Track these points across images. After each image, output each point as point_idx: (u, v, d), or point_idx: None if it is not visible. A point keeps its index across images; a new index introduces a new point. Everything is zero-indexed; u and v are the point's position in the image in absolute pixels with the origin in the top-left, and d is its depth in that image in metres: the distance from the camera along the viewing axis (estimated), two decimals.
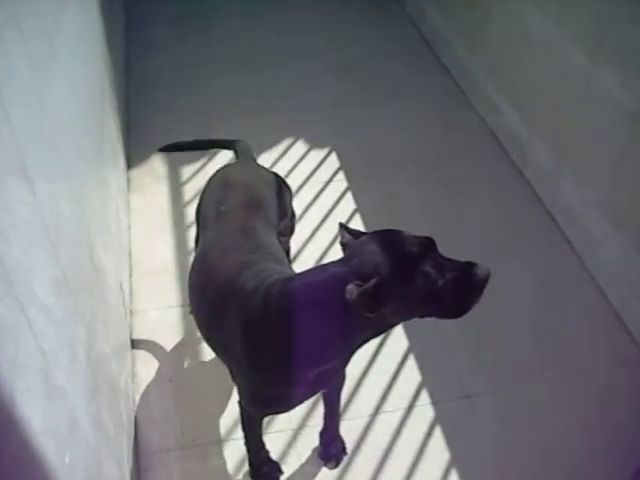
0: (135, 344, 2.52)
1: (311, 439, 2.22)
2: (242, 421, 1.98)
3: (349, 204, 3.13)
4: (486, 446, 2.22)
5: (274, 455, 2.16)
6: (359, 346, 1.54)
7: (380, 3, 4.79)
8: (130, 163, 3.36)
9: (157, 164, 3.37)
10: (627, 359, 2.47)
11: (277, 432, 2.25)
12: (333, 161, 3.40)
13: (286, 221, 2.16)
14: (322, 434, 2.19)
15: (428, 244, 1.46)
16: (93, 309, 1.84)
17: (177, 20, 4.64)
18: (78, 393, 1.50)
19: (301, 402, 1.80)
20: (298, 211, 2.79)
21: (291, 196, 2.23)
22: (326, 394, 2.06)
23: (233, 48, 4.32)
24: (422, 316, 1.51)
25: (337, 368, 1.71)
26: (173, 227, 3.02)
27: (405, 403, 2.34)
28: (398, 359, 2.47)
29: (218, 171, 2.19)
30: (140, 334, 2.56)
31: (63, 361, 1.40)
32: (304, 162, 3.38)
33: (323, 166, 3.36)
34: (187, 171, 3.30)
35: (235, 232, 1.86)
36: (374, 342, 2.47)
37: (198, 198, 2.18)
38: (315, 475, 2.15)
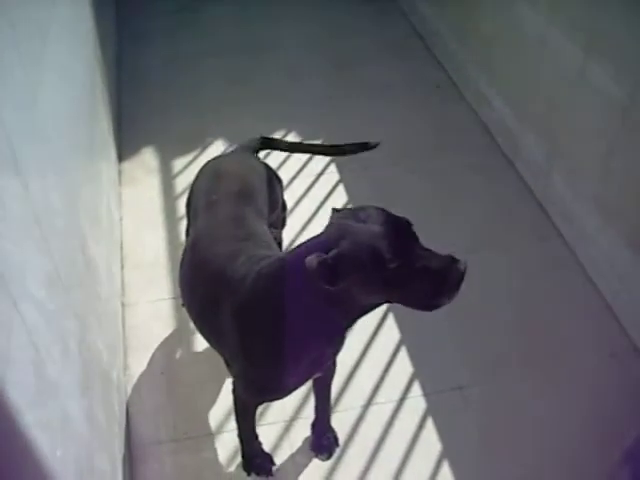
0: (127, 337, 2.52)
1: (303, 431, 2.23)
2: (236, 410, 1.98)
3: (341, 196, 3.13)
4: (477, 437, 2.23)
5: (266, 447, 2.17)
6: (344, 328, 1.53)
7: None
8: (122, 156, 3.35)
9: (149, 157, 3.36)
10: (618, 351, 2.48)
11: (269, 424, 2.25)
12: None
13: (277, 213, 2.16)
14: (314, 426, 2.19)
15: (401, 226, 1.42)
16: (85, 302, 1.84)
17: (169, 12, 4.62)
18: (70, 386, 1.50)
19: (295, 388, 1.79)
20: (290, 203, 2.79)
21: (282, 188, 2.23)
22: (316, 385, 2.07)
23: (225, 40, 4.31)
24: (391, 301, 1.46)
25: (327, 352, 1.70)
26: (165, 220, 3.01)
27: (397, 395, 2.35)
28: (390, 351, 2.48)
29: (209, 162, 2.19)
30: (132, 327, 2.56)
31: (55, 355, 1.40)
32: (296, 154, 3.37)
33: (315, 158, 3.36)
34: (179, 164, 3.30)
35: (226, 221, 1.87)
36: (366, 333, 2.50)
37: (189, 190, 2.19)
38: (307, 466, 2.16)
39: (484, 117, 3.56)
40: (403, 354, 2.47)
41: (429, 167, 3.31)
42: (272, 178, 2.13)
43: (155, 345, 2.50)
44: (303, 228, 2.95)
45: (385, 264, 1.35)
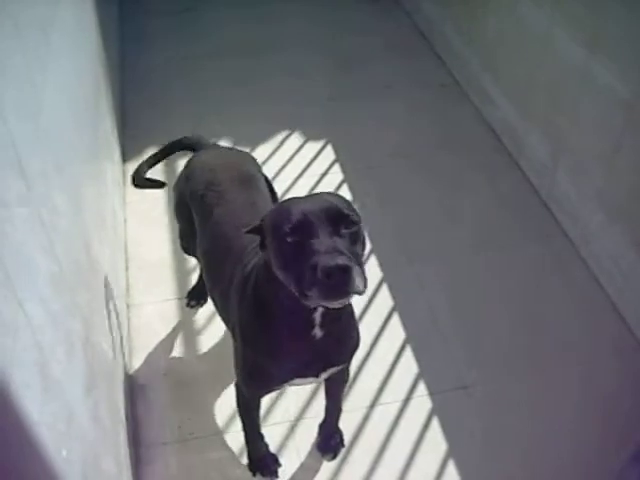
0: (131, 337, 2.52)
1: (309, 431, 2.23)
2: (239, 407, 1.99)
3: (345, 196, 3.11)
4: (483, 437, 2.22)
5: (272, 447, 2.17)
6: (302, 307, 1.46)
7: None
8: (126, 156, 3.35)
9: None
10: (623, 349, 2.48)
11: (274, 424, 2.25)
12: (329, 153, 3.39)
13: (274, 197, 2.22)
14: (322, 426, 2.19)
15: (324, 211, 1.38)
16: (90, 303, 1.84)
17: (172, 12, 4.63)
18: (75, 387, 1.50)
19: (283, 380, 1.75)
20: None
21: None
22: (329, 388, 2.06)
23: (227, 40, 4.31)
24: (289, 283, 1.42)
25: (309, 346, 1.63)
26: (169, 220, 3.01)
27: (402, 395, 2.34)
28: (395, 351, 2.48)
29: (192, 160, 2.21)
30: (136, 327, 2.56)
31: (60, 355, 1.40)
32: (300, 154, 3.38)
33: (319, 158, 3.36)
34: (183, 164, 3.28)
35: (242, 209, 1.90)
36: (371, 334, 2.50)
37: (176, 194, 2.21)
38: (313, 467, 2.16)
39: (488, 116, 3.55)
40: (408, 354, 2.47)
41: (433, 166, 3.31)
42: (258, 164, 2.23)
43: (160, 345, 2.51)
44: None
45: (284, 235, 1.37)
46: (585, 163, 2.71)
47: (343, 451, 2.19)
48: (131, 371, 2.42)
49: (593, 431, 2.23)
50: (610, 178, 2.56)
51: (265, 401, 2.17)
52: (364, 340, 2.48)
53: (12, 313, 1.10)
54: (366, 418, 2.28)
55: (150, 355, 2.47)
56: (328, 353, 1.69)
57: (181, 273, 2.77)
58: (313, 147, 3.43)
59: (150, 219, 3.02)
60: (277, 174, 3.23)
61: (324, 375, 1.77)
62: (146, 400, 2.34)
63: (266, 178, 2.19)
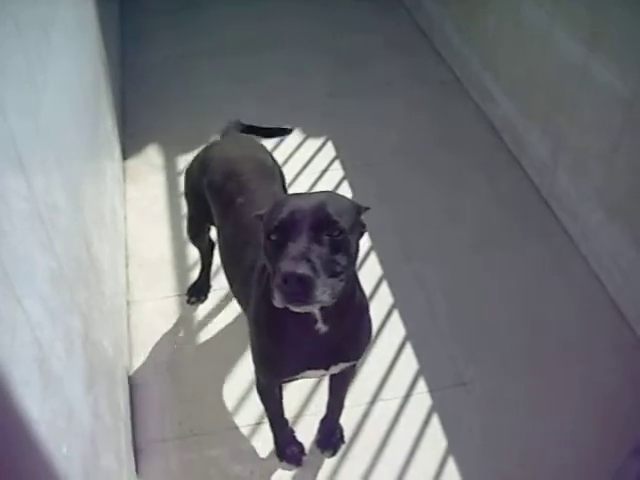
0: (132, 334, 2.53)
1: (308, 428, 2.23)
2: (259, 394, 2.00)
3: (345, 193, 3.11)
4: (482, 434, 2.23)
5: (270, 444, 2.17)
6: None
7: None
8: (126, 153, 3.36)
9: (153, 154, 3.37)
10: (623, 346, 2.48)
11: None
12: (329, 150, 3.39)
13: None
14: (322, 422, 2.20)
15: (311, 215, 1.37)
16: (89, 300, 1.84)
17: (171, 10, 4.63)
18: (75, 383, 1.50)
19: (293, 371, 1.75)
20: None
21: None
22: (334, 384, 2.06)
23: (227, 38, 4.30)
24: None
25: (316, 338, 1.62)
26: (169, 217, 3.01)
27: (402, 391, 2.35)
28: (395, 347, 2.48)
29: (209, 150, 2.22)
30: (137, 324, 2.56)
31: (60, 351, 1.40)
32: (300, 151, 3.38)
33: (319, 155, 3.36)
34: (183, 161, 3.30)
35: (263, 198, 1.90)
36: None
37: (190, 183, 2.24)
38: (313, 463, 2.16)
39: (489, 114, 3.55)
40: (408, 350, 2.47)
41: (433, 164, 3.31)
42: (271, 154, 2.27)
43: (160, 342, 2.51)
44: None
45: (268, 233, 1.40)
46: (585, 161, 2.71)
47: (343, 447, 2.20)
48: (131, 368, 2.42)
49: (593, 429, 2.23)
50: (610, 176, 2.56)
51: None
52: None
53: (11, 310, 1.11)
54: (366, 414, 2.29)
55: (150, 352, 2.48)
56: (340, 348, 1.69)
57: (181, 270, 2.78)
58: (313, 144, 3.43)
59: (150, 216, 3.02)
60: None
61: (334, 369, 1.77)
62: (146, 397, 2.34)
63: (279, 168, 2.24)
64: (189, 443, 2.20)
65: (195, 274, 2.67)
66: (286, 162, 3.28)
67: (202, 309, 2.62)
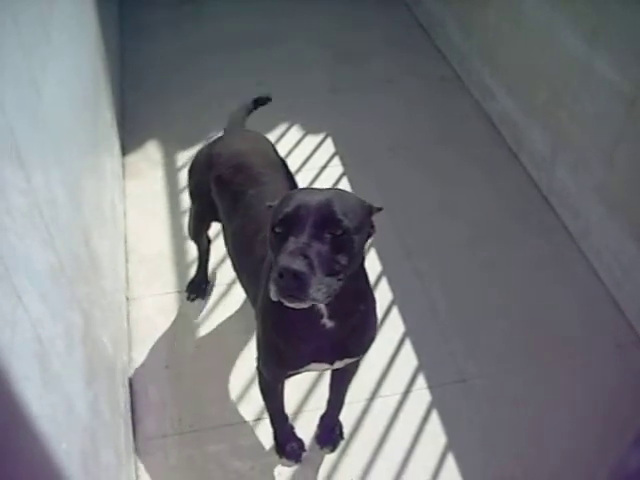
0: (131, 330, 2.53)
1: (308, 424, 2.23)
2: (261, 390, 2.00)
3: (345, 189, 3.12)
4: (482, 430, 2.23)
5: (269, 440, 2.18)
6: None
7: None
8: (125, 149, 3.35)
9: (152, 150, 3.36)
10: (622, 342, 2.48)
11: None
12: (329, 146, 3.39)
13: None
14: (322, 418, 2.20)
15: (318, 212, 1.36)
16: (89, 296, 1.84)
17: (171, 5, 4.61)
18: (75, 380, 1.50)
19: (309, 362, 1.74)
20: None
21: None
22: (336, 380, 2.07)
23: (227, 34, 4.29)
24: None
25: (321, 332, 1.62)
26: (169, 213, 3.01)
27: (402, 387, 2.35)
28: (395, 344, 2.48)
29: (216, 145, 2.21)
30: (136, 320, 2.56)
31: (60, 348, 1.40)
32: (300, 147, 3.38)
33: (319, 151, 3.36)
34: (183, 156, 3.29)
35: (274, 191, 1.90)
36: None
37: (195, 177, 2.24)
38: (312, 459, 2.17)
39: (488, 109, 3.55)
40: (407, 346, 2.47)
41: (433, 159, 3.31)
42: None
43: (159, 338, 2.51)
44: None
45: (273, 225, 1.40)
46: (585, 157, 2.71)
47: (342, 443, 2.20)
48: (131, 364, 2.42)
49: (592, 425, 2.23)
50: (610, 172, 2.55)
51: None
52: None
53: (11, 306, 1.11)
54: (365, 410, 2.29)
55: (150, 348, 2.47)
56: (345, 344, 1.69)
57: (181, 266, 2.78)
58: (313, 140, 3.43)
59: (150, 212, 3.02)
60: None
61: (338, 364, 1.77)
62: (146, 393, 2.34)
63: (284, 162, 2.24)
64: (189, 439, 2.21)
65: (194, 270, 2.67)
66: (285, 158, 3.25)
67: (201, 305, 2.62)
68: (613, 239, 2.58)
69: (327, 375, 2.10)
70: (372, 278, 2.69)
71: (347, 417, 2.24)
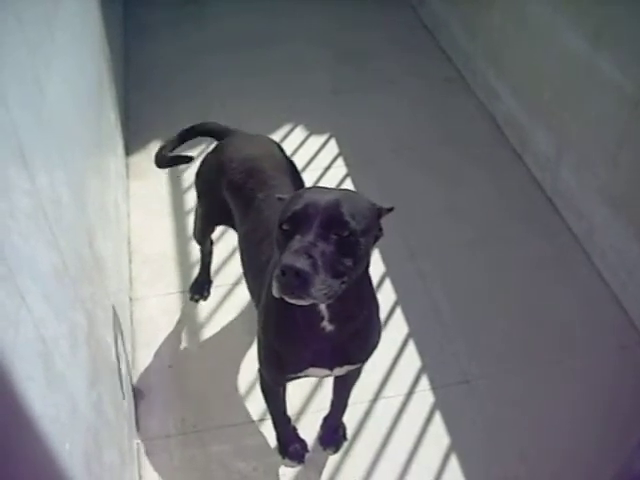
0: (135, 331, 2.53)
1: (311, 425, 2.23)
2: (262, 392, 2.00)
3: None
4: (485, 431, 2.22)
5: (273, 441, 2.17)
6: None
7: None
8: (129, 149, 3.35)
9: (156, 150, 3.36)
10: (626, 343, 2.48)
11: None
12: (332, 147, 3.39)
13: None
14: (326, 420, 2.20)
15: (325, 211, 1.37)
16: (93, 296, 1.84)
17: (174, 5, 4.61)
18: (78, 380, 1.50)
19: (308, 366, 1.73)
20: None
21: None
22: (339, 384, 2.07)
23: (231, 34, 4.29)
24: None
25: (322, 336, 1.61)
26: (173, 213, 3.01)
27: (405, 388, 2.34)
28: (398, 344, 2.48)
29: (225, 149, 2.21)
30: (140, 321, 2.56)
31: (63, 348, 1.40)
32: (303, 148, 3.38)
33: (322, 152, 3.36)
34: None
35: (286, 194, 1.90)
36: None
37: (204, 181, 2.23)
38: (315, 460, 2.16)
39: (493, 110, 3.54)
40: (411, 347, 2.47)
41: (437, 160, 3.30)
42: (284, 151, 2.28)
43: (163, 339, 2.51)
44: None
45: (281, 222, 1.40)
46: (589, 157, 2.70)
47: (345, 445, 2.20)
48: (134, 364, 2.42)
49: (596, 426, 2.22)
50: (614, 172, 2.55)
51: None
52: None
53: (15, 306, 1.11)
54: (369, 412, 2.29)
55: (153, 348, 2.48)
56: (345, 350, 1.69)
57: (184, 266, 2.78)
58: (317, 141, 3.42)
59: (153, 212, 3.02)
60: None
61: (338, 371, 1.77)
62: (149, 393, 2.34)
63: (292, 164, 2.24)
64: (192, 439, 2.21)
65: (197, 271, 2.67)
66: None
67: (205, 306, 2.62)
68: (617, 240, 2.58)
69: (330, 378, 2.09)
70: (375, 279, 2.68)
71: (350, 418, 2.24)
